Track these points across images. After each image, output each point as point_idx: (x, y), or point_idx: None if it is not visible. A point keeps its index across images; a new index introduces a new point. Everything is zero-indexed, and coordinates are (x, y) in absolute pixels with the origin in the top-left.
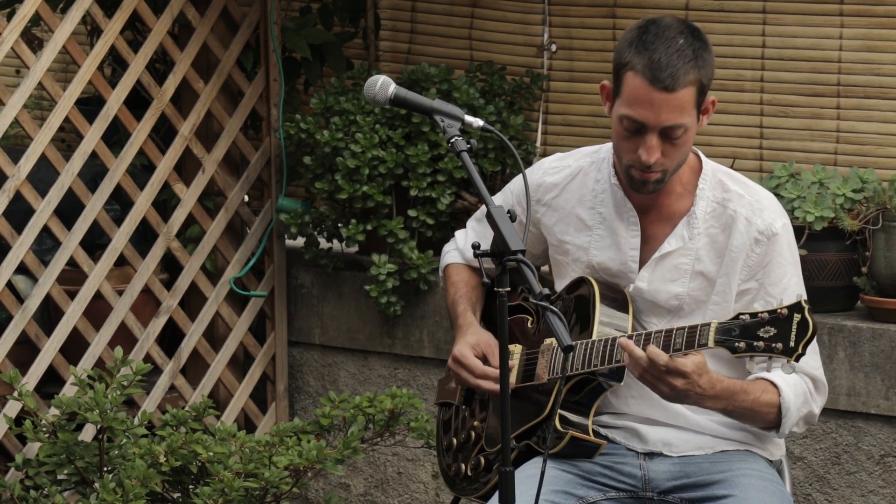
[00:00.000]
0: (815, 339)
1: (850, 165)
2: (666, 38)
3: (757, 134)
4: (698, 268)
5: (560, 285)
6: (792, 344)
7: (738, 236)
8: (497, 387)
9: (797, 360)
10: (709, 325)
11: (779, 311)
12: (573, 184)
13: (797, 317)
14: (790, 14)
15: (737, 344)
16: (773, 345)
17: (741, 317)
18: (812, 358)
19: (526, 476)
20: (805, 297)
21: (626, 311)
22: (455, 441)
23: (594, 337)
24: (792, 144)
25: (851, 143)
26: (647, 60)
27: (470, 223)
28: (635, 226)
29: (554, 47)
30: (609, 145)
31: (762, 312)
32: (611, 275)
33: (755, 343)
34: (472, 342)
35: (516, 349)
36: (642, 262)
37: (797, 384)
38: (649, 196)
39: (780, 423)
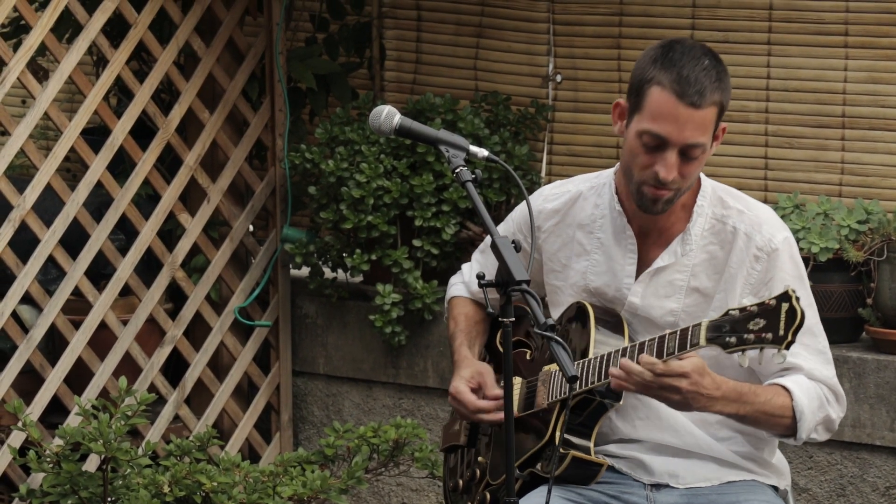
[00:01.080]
0: (828, 350)
1: (855, 197)
2: (692, 56)
3: (762, 165)
4: (693, 284)
5: (555, 312)
6: (781, 332)
7: (737, 253)
8: (496, 417)
9: (787, 347)
10: (699, 324)
11: (766, 301)
12: (573, 209)
13: (785, 306)
14: (795, 46)
15: (728, 339)
16: (763, 335)
17: (730, 312)
18: (825, 367)
19: None
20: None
21: (622, 334)
22: (461, 482)
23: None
24: (797, 175)
25: (856, 174)
26: (674, 76)
27: (475, 255)
28: (632, 253)
29: (559, 78)
30: (610, 171)
31: (751, 306)
32: (607, 299)
33: (745, 336)
34: (467, 376)
35: (516, 381)
36: None
37: (811, 388)
38: (650, 219)
39: (797, 427)
